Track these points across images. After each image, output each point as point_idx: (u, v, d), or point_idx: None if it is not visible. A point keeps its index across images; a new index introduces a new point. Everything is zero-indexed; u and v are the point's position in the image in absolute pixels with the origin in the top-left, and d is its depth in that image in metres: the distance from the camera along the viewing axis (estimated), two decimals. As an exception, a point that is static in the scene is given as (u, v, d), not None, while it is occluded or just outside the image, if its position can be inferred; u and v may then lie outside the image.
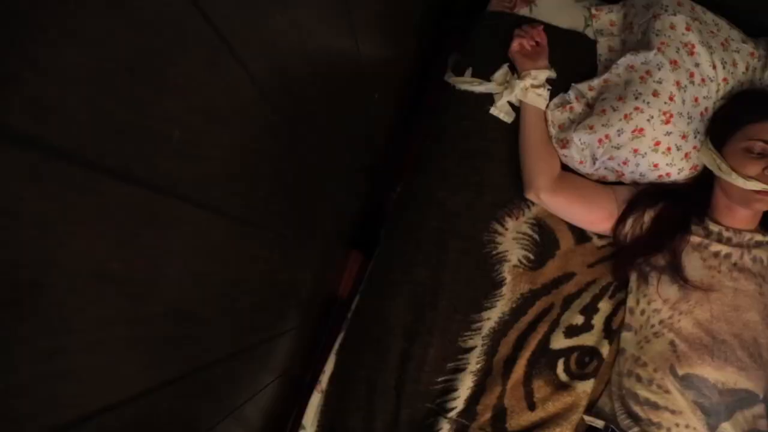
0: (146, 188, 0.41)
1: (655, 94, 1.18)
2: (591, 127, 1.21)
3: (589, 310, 1.26)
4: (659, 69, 1.19)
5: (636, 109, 1.18)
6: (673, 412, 1.13)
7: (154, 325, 0.51)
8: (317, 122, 0.80)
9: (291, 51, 0.61)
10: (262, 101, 0.58)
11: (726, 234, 1.21)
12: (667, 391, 1.14)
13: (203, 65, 0.45)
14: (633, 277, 1.25)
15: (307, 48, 0.64)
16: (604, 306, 1.27)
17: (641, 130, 1.18)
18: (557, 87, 1.28)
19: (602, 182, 1.29)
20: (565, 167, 1.28)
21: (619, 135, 1.19)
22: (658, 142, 1.19)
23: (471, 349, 1.25)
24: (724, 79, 1.23)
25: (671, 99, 1.18)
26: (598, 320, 1.26)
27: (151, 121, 0.40)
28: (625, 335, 1.24)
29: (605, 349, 1.25)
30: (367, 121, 1.09)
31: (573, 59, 1.30)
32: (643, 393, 1.16)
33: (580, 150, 1.23)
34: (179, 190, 0.46)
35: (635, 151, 1.20)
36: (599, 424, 1.20)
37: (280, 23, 0.56)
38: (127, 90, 0.36)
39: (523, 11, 1.32)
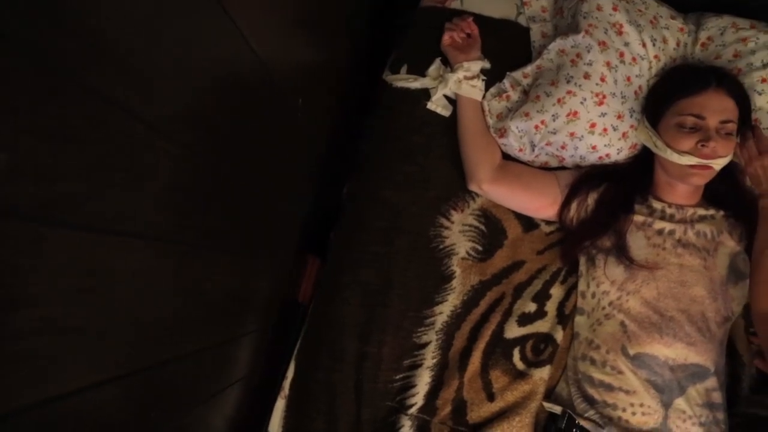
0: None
1: (587, 76, 1.18)
2: (527, 114, 1.21)
3: (542, 297, 1.26)
4: (588, 51, 1.19)
5: (568, 92, 1.18)
6: (627, 392, 1.13)
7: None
8: (232, 139, 0.82)
9: (178, 78, 0.62)
10: (160, 139, 0.60)
11: (669, 211, 1.20)
12: (620, 372, 1.14)
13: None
14: (582, 261, 1.25)
15: (191, 68, 0.64)
16: (556, 292, 1.27)
17: (575, 113, 1.19)
18: (494, 77, 1.29)
19: (545, 168, 1.29)
20: (507, 156, 1.28)
21: (554, 120, 1.19)
22: (593, 124, 1.19)
23: (426, 344, 1.25)
24: (656, 57, 1.23)
25: (603, 80, 1.18)
26: (551, 306, 1.26)
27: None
28: (579, 319, 1.24)
29: (559, 335, 1.25)
30: (298, 127, 1.10)
31: (507, 48, 1.30)
32: (597, 375, 1.16)
33: (518, 138, 1.23)
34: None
35: (572, 134, 1.20)
36: (557, 409, 1.20)
37: (155, 54, 0.57)
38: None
39: (455, 4, 1.33)
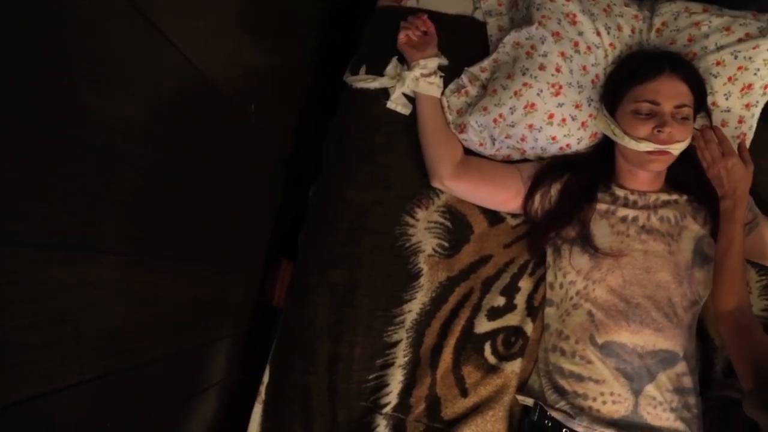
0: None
1: (542, 67, 1.19)
2: (485, 109, 1.21)
3: (510, 290, 1.27)
4: (542, 42, 1.19)
5: (524, 84, 1.19)
6: (596, 381, 1.13)
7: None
8: (186, 152, 0.84)
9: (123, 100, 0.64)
10: (116, 160, 0.63)
11: (632, 197, 1.20)
12: (590, 362, 1.14)
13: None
14: (549, 252, 1.25)
15: (135, 91, 0.66)
16: (525, 284, 1.27)
17: (533, 105, 1.19)
18: (453, 73, 1.29)
19: (508, 161, 1.29)
20: (470, 151, 1.29)
21: (512, 112, 1.19)
22: (551, 115, 1.20)
23: (396, 343, 1.25)
24: (611, 45, 1.23)
25: (558, 70, 1.19)
26: (520, 299, 1.26)
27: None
28: (548, 310, 1.24)
29: (529, 328, 1.25)
30: (254, 132, 1.10)
31: (465, 44, 1.31)
32: (567, 366, 1.16)
33: (477, 132, 1.23)
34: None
35: (530, 126, 1.20)
36: (529, 402, 1.20)
37: (101, 79, 0.59)
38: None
39: (411, 3, 1.33)
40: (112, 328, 0.75)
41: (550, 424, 1.15)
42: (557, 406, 1.15)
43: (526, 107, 1.19)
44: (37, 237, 0.56)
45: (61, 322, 0.63)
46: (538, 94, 1.18)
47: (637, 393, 1.12)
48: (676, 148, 1.13)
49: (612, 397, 1.12)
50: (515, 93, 1.19)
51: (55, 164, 0.56)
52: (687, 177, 1.23)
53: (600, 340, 1.14)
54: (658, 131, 1.10)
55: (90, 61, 0.58)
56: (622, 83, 1.17)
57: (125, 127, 0.66)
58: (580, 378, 1.14)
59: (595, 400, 1.13)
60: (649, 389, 1.12)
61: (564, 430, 1.13)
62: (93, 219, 0.65)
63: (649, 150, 1.12)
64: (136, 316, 0.81)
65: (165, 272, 0.88)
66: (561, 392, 1.16)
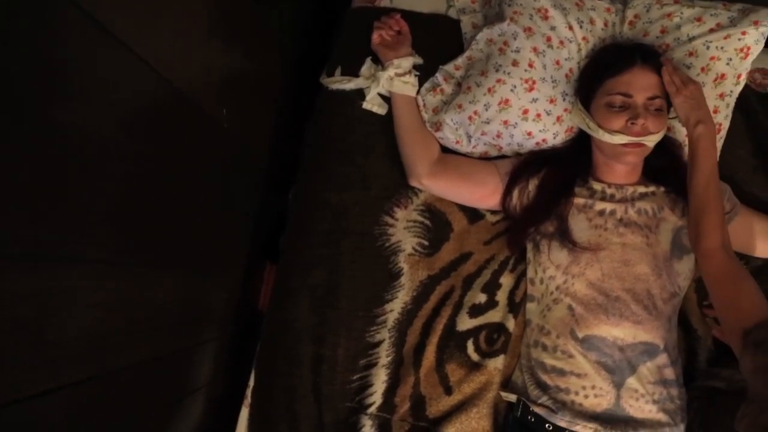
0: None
1: (515, 63, 1.19)
2: (459, 106, 1.21)
3: (492, 287, 1.27)
4: (515, 38, 1.19)
5: (498, 81, 1.19)
6: (578, 375, 1.13)
7: None
8: (159, 160, 0.85)
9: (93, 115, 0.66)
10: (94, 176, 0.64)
11: (609, 191, 1.20)
12: (571, 356, 1.14)
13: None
14: (529, 248, 1.25)
15: (105, 106, 0.68)
16: (506, 281, 1.27)
17: (507, 101, 1.19)
18: (429, 72, 1.29)
19: (485, 158, 1.29)
20: (447, 149, 1.29)
21: (486, 109, 1.19)
22: (526, 110, 1.20)
23: (379, 343, 1.25)
24: (584, 39, 1.23)
25: (531, 66, 1.19)
26: (501, 296, 1.26)
27: None
28: (530, 306, 1.24)
29: (511, 324, 1.25)
30: (227, 136, 1.10)
31: (439, 42, 1.31)
32: (549, 361, 1.16)
33: (453, 130, 1.24)
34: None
35: (505, 122, 1.20)
36: (512, 398, 1.20)
37: (71, 96, 0.61)
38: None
39: (384, 3, 1.33)
40: (83, 335, 0.75)
41: (533, 420, 1.15)
42: (540, 401, 1.15)
43: (500, 103, 1.19)
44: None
45: (23, 331, 0.63)
46: (511, 90, 1.18)
47: (618, 386, 1.12)
48: (651, 140, 1.13)
49: (594, 391, 1.12)
50: (489, 90, 1.19)
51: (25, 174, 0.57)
52: (664, 168, 1.23)
53: (580, 334, 1.14)
54: (632, 123, 1.10)
55: (60, 77, 0.60)
56: (595, 77, 1.17)
57: (95, 137, 0.68)
58: (561, 372, 1.14)
59: (577, 394, 1.13)
60: (631, 382, 1.12)
61: (546, 425, 1.13)
62: (65, 228, 0.66)
63: (623, 143, 1.12)
64: (110, 323, 0.81)
65: (141, 278, 0.88)
66: (543, 387, 1.16)
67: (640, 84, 1.11)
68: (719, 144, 1.27)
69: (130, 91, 0.75)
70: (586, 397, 1.12)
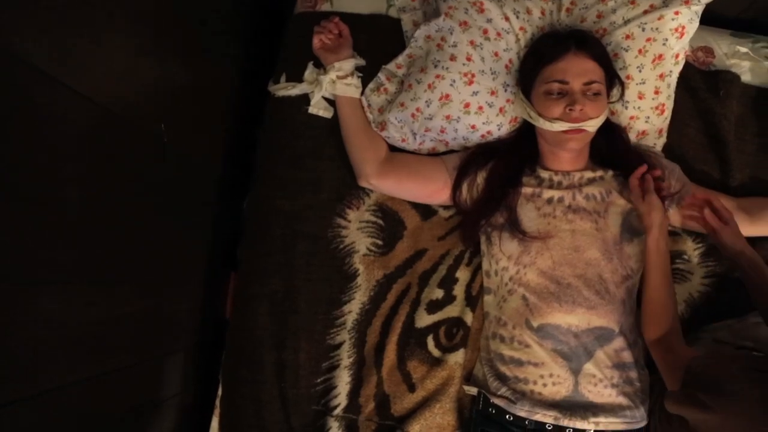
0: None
1: (452, 58, 1.19)
2: (402, 104, 1.22)
3: (448, 282, 1.27)
4: (451, 33, 1.20)
5: (437, 77, 1.19)
6: (535, 364, 1.13)
7: None
8: (100, 184, 0.87)
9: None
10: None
11: (556, 178, 1.21)
12: (527, 346, 1.15)
13: None
14: (483, 240, 1.26)
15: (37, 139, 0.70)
16: (462, 275, 1.27)
17: (447, 96, 1.19)
18: (373, 72, 1.29)
19: (433, 154, 1.30)
20: (396, 148, 1.29)
21: (428, 105, 1.20)
22: (467, 104, 1.20)
23: (340, 344, 1.26)
24: (521, 28, 1.23)
25: (469, 59, 1.19)
26: (458, 290, 1.27)
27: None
28: (487, 298, 1.25)
29: (469, 318, 1.25)
30: (168, 151, 1.11)
31: (381, 42, 1.31)
32: (507, 352, 1.16)
33: (398, 129, 1.24)
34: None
35: (447, 117, 1.21)
36: (473, 391, 1.21)
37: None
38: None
39: (325, 6, 1.34)
40: (20, 354, 0.76)
41: (494, 412, 1.15)
42: (499, 392, 1.15)
43: (441, 99, 1.19)
44: None
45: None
46: (451, 85, 1.18)
47: (576, 372, 1.12)
48: (591, 125, 1.13)
49: (552, 379, 1.13)
50: (429, 86, 1.19)
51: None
52: (610, 152, 1.23)
53: (535, 324, 1.14)
54: (570, 110, 1.11)
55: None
56: (532, 66, 1.17)
57: (43, 169, 0.71)
58: (519, 363, 1.15)
59: (535, 383, 1.13)
60: (588, 367, 1.12)
61: (507, 416, 1.14)
62: (25, 252, 0.71)
63: (564, 129, 1.13)
64: (64, 339, 0.82)
65: (97, 295, 0.91)
66: (503, 379, 1.16)
67: (575, 70, 1.12)
68: (665, 124, 1.27)
69: (65, 121, 0.77)
70: (544, 385, 1.12)
